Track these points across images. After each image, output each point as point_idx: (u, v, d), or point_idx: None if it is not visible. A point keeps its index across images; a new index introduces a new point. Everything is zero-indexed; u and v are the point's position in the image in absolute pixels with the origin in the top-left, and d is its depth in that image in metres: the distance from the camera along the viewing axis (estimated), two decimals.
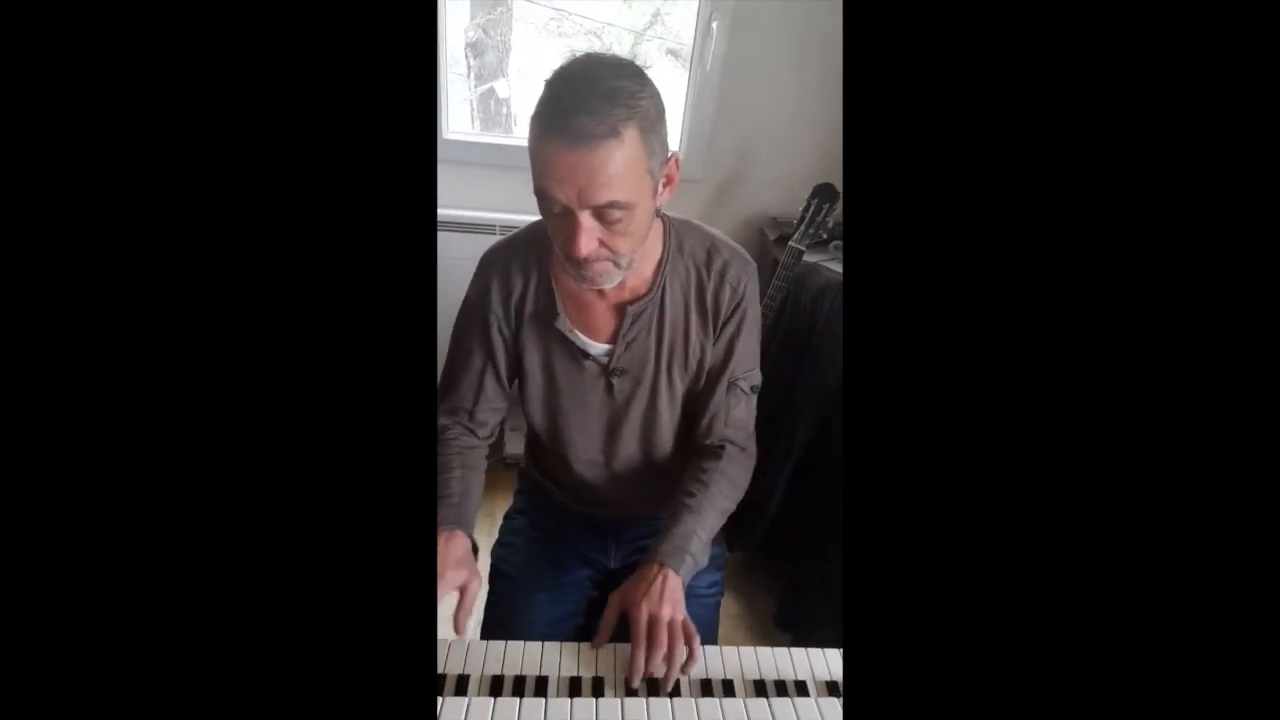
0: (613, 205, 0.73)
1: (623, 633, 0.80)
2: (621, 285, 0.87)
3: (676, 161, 0.80)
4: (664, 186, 0.79)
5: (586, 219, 0.73)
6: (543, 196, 0.74)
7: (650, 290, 0.90)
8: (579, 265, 0.78)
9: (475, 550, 0.87)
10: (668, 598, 0.80)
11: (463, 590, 0.80)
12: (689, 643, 0.76)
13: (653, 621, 0.76)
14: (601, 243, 0.76)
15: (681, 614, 0.79)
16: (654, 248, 0.88)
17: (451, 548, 0.81)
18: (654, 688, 0.73)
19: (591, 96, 0.69)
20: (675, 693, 0.72)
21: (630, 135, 0.71)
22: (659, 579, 0.81)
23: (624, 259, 0.79)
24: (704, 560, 0.89)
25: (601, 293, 0.89)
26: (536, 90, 0.73)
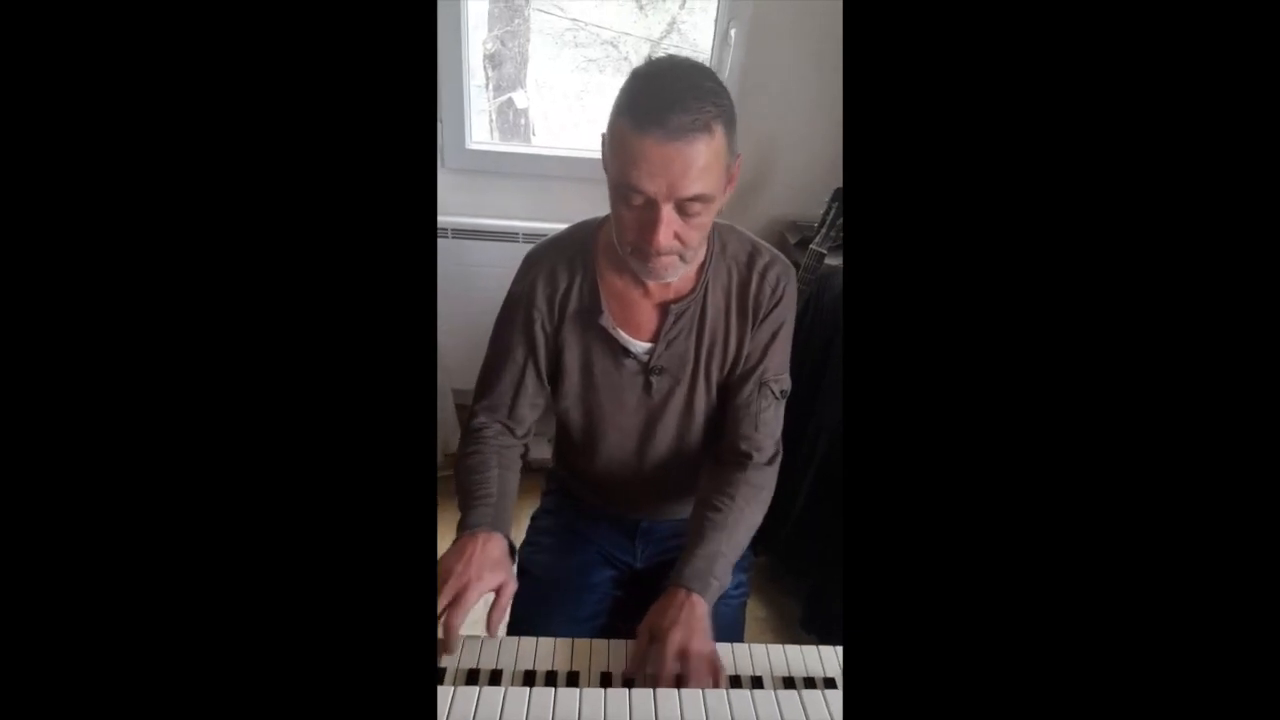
0: (698, 198, 0.75)
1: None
2: (666, 284, 0.88)
3: (739, 162, 0.82)
4: (728, 184, 0.82)
5: (668, 212, 0.75)
6: (628, 189, 0.75)
7: (693, 290, 0.91)
8: (649, 258, 0.80)
9: (513, 551, 0.87)
10: (697, 627, 0.77)
11: (498, 592, 0.79)
12: (716, 678, 0.75)
13: (683, 655, 0.74)
14: (676, 235, 0.78)
15: (710, 646, 0.77)
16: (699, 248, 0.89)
17: (489, 549, 0.81)
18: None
19: (685, 93, 0.72)
20: None
21: (718, 131, 0.74)
22: (687, 606, 0.79)
23: (690, 252, 0.81)
24: (729, 581, 0.87)
25: (646, 291, 0.90)
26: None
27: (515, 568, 0.84)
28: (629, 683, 0.73)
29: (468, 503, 0.87)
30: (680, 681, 0.72)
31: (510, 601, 0.80)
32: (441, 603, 0.75)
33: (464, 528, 0.84)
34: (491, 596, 0.80)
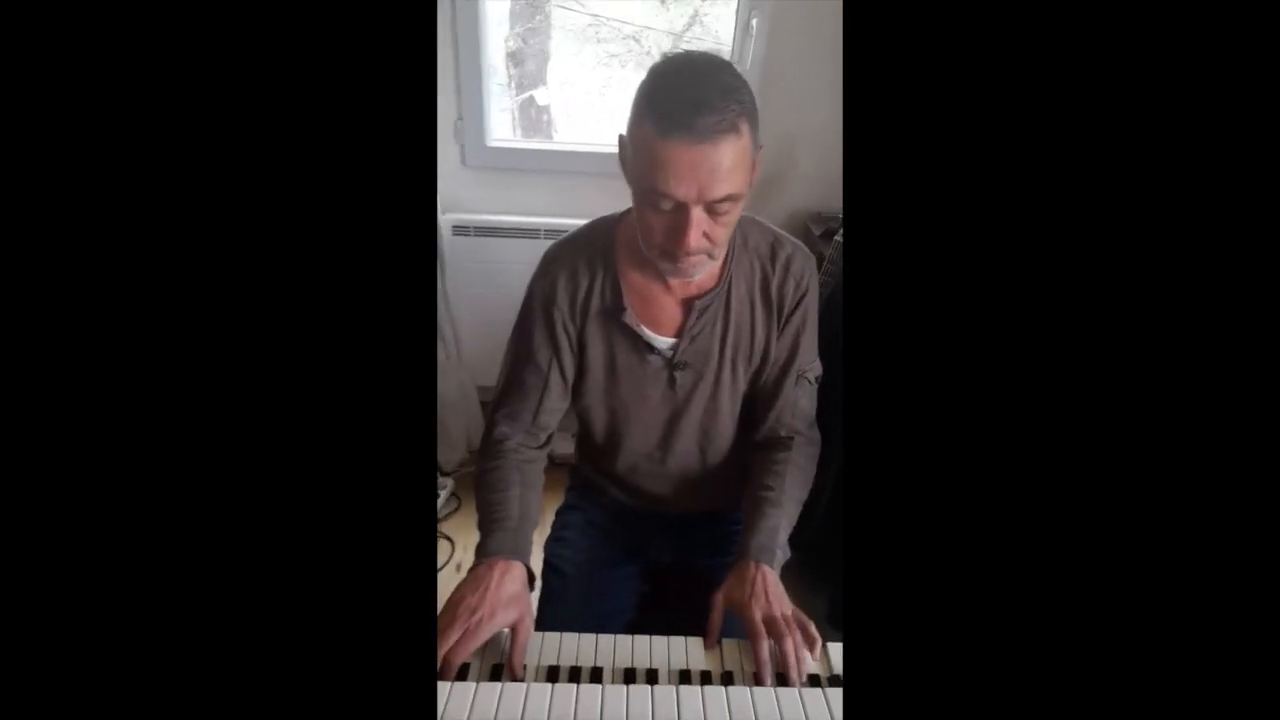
0: (728, 199, 0.74)
1: (673, 627, 0.80)
2: (687, 280, 0.87)
3: (760, 153, 0.81)
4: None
5: (698, 213, 0.74)
6: (656, 194, 0.74)
7: (717, 284, 0.91)
8: (677, 259, 0.79)
9: (532, 581, 0.84)
10: (774, 594, 0.80)
11: (515, 630, 0.75)
12: (805, 629, 0.77)
13: (769, 620, 0.76)
14: (705, 234, 0.77)
15: (791, 607, 0.80)
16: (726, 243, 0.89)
17: (506, 582, 0.77)
18: (706, 678, 0.73)
19: (710, 93, 0.70)
20: (729, 681, 0.72)
21: (744, 130, 0.73)
22: (759, 577, 0.81)
23: (718, 249, 0.80)
24: (789, 551, 0.89)
25: (669, 287, 0.90)
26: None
27: (531, 603, 0.81)
28: (652, 680, 0.73)
29: (487, 526, 0.85)
30: (781, 642, 0.74)
31: (528, 639, 0.76)
32: (452, 637, 0.72)
33: (482, 554, 0.82)
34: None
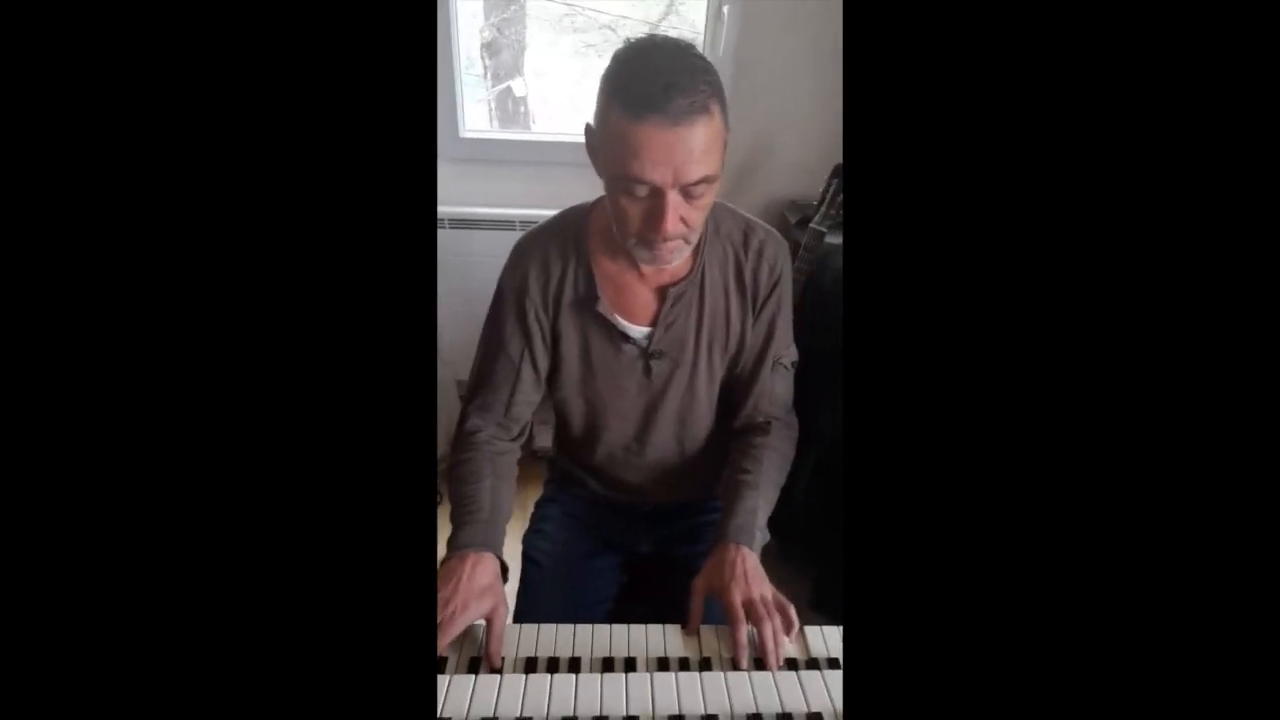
0: (703, 180, 0.73)
1: (652, 616, 0.80)
2: (662, 268, 0.87)
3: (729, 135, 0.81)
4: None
5: (674, 197, 0.74)
6: (631, 181, 0.73)
7: (690, 272, 0.90)
8: (654, 246, 0.78)
9: (505, 572, 0.83)
10: (754, 576, 0.81)
11: (490, 620, 0.76)
12: (784, 613, 0.77)
13: (749, 604, 0.77)
14: (682, 219, 0.76)
15: (770, 590, 0.80)
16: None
17: (478, 573, 0.77)
18: (684, 664, 0.73)
19: (679, 75, 0.69)
20: (706, 667, 0.72)
21: (715, 110, 0.72)
22: (739, 559, 0.82)
23: (694, 234, 0.80)
24: (767, 535, 0.90)
25: (642, 275, 0.90)
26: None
27: (504, 592, 0.81)
28: (630, 669, 0.73)
29: (459, 518, 0.85)
30: (760, 625, 0.75)
31: (504, 628, 0.76)
32: None
33: (453, 547, 0.81)
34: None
